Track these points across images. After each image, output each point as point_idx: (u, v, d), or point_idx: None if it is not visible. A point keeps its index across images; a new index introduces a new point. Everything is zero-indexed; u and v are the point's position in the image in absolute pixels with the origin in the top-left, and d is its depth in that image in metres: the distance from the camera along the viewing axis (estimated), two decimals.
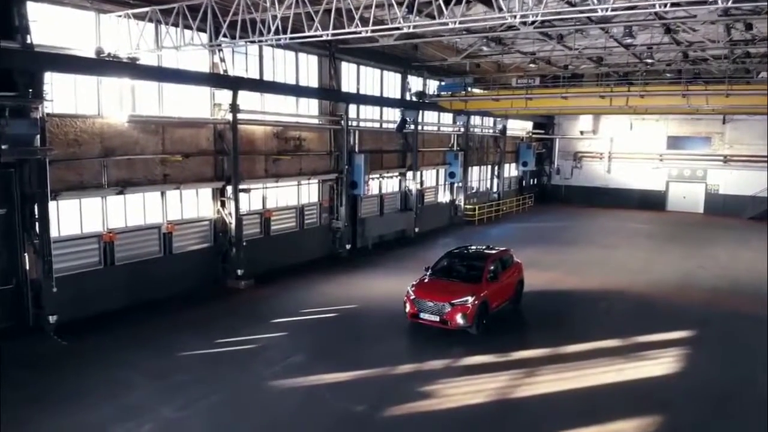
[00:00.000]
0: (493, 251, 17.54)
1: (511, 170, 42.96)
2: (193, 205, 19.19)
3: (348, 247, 24.97)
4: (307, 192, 23.73)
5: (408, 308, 15.52)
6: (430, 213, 32.24)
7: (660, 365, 13.79)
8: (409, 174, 29.68)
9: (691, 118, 42.41)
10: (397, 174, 29.23)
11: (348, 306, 17.72)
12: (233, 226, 19.48)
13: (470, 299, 14.98)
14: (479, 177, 38.39)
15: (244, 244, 19.77)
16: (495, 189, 40.25)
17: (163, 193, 18.09)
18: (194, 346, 14.25)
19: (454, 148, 33.88)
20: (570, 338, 15.35)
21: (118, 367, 12.99)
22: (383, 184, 28.65)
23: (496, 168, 40.16)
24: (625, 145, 45.67)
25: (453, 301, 14.94)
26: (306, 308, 17.40)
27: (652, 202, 44.73)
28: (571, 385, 12.74)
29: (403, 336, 15.44)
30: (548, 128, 47.22)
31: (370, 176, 26.05)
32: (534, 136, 45.45)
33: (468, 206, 35.40)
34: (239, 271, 19.60)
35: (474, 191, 37.17)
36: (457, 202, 35.00)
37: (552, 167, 48.61)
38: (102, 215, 16.56)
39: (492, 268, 16.34)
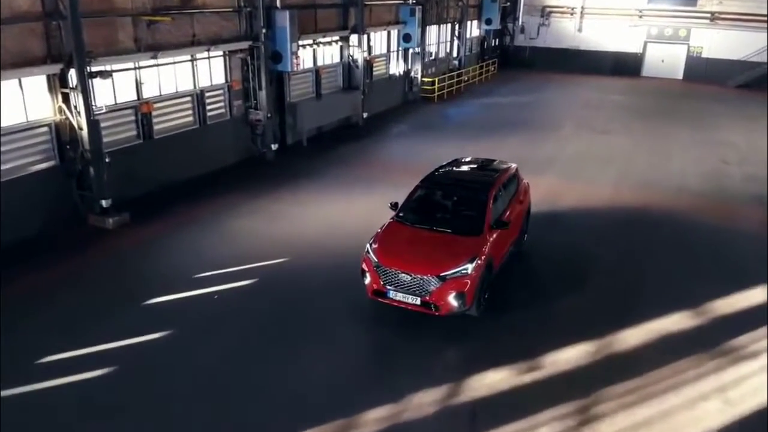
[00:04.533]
0: (494, 172, 11.37)
1: (472, 29, 35.70)
2: (18, 103, 11.94)
3: (274, 147, 18.22)
4: (208, 70, 16.44)
5: (368, 280, 9.49)
6: (380, 90, 25.39)
7: None
8: (354, 38, 22.39)
9: None
10: (337, 39, 21.87)
11: (272, 261, 11.47)
12: (85, 132, 12.45)
13: (470, 267, 9.05)
14: (438, 40, 31.17)
15: (108, 159, 12.87)
16: (456, 54, 33.23)
17: None
18: None
19: (410, 2, 26.30)
20: (614, 314, 9.87)
21: None
22: (319, 54, 21.37)
23: (457, 27, 32.86)
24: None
25: (443, 273, 8.98)
26: (204, 268, 11.07)
27: (626, 66, 39.51)
28: None
29: (360, 332, 9.45)
30: None
31: (300, 43, 18.79)
32: None
33: (426, 79, 28.59)
34: (104, 202, 12.90)
35: (432, 58, 30.16)
36: (413, 74, 28.09)
37: (516, 25, 41.69)
38: None
39: (495, 204, 10.32)
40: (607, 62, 39.85)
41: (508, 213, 10.69)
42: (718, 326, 9.69)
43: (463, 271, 9.00)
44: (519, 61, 41.64)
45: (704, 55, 38.09)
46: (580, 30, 40.73)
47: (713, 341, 9.21)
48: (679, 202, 15.28)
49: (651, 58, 39.74)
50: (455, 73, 31.09)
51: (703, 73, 37.50)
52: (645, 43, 39.65)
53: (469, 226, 9.84)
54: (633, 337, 9.28)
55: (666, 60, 39.34)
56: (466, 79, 32.42)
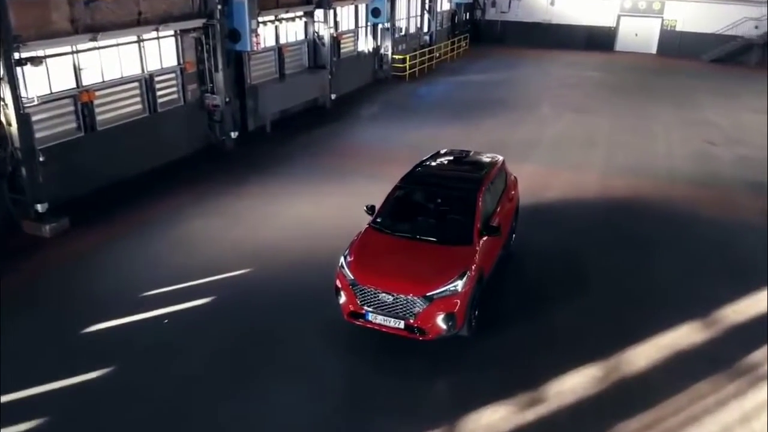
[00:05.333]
0: (480, 168, 10.12)
1: (442, 3, 34.20)
2: None
3: (234, 134, 16.68)
4: (158, 52, 14.79)
5: (343, 299, 8.23)
6: (349, 69, 23.88)
7: None
8: (319, 13, 20.79)
9: None
10: (300, 14, 20.28)
11: (233, 273, 10.10)
12: (14, 128, 10.83)
13: (460, 284, 7.87)
14: (408, 14, 29.64)
15: (42, 158, 11.27)
16: (426, 30, 31.75)
17: None
18: None
19: None
20: (618, 328, 8.86)
21: None
22: (282, 32, 19.76)
23: (428, 1, 31.33)
24: None
25: (429, 293, 7.77)
26: (154, 284, 9.65)
27: (599, 41, 38.72)
28: None
29: (334, 361, 8.16)
30: None
31: (260, 20, 17.22)
32: None
33: (396, 56, 27.12)
34: (39, 206, 11.33)
35: (402, 34, 28.66)
36: (383, 51, 26.58)
37: None
38: None
39: (484, 205, 9.12)
40: (581, 36, 38.92)
41: (498, 215, 9.53)
42: (732, 339, 8.73)
43: (452, 289, 7.81)
44: (491, 36, 40.39)
45: (678, 28, 37.42)
46: (552, 3, 39.61)
47: (729, 358, 8.25)
48: (672, 191, 14.32)
49: (624, 32, 38.93)
50: (426, 49, 29.66)
51: (677, 47, 36.83)
52: (618, 17, 38.78)
53: (457, 234, 8.63)
54: (642, 356, 8.25)
55: (640, 34, 38.55)
56: (437, 55, 31.03)
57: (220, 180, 14.20)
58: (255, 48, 16.66)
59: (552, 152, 17.26)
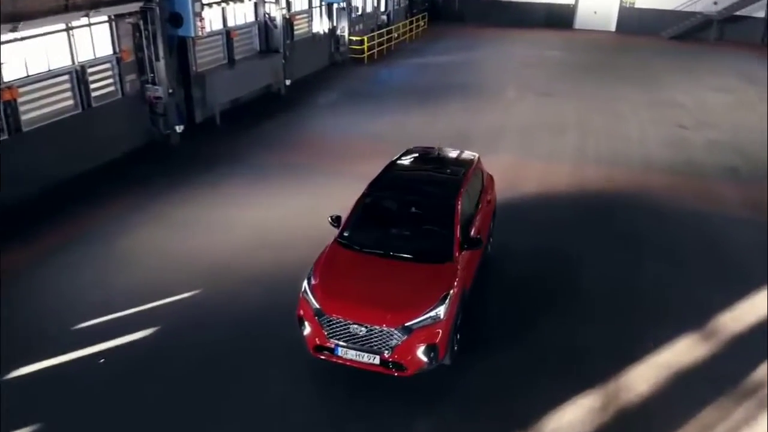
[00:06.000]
0: (457, 170, 9.09)
1: None
2: None
3: (180, 128, 15.26)
4: (90, 41, 13.24)
5: (308, 330, 7.16)
6: (304, 52, 22.51)
7: None
8: None
9: None
10: None
11: (181, 296, 8.89)
12: None
13: (442, 310, 6.89)
14: None
15: None
16: (384, 9, 30.44)
17: None
18: None
19: None
20: (611, 344, 8.09)
21: None
22: (229, 14, 18.27)
23: None
24: None
25: (408, 323, 6.78)
26: (88, 314, 8.37)
27: (558, 18, 38.17)
28: None
29: (298, 405, 7.07)
30: None
31: (205, 2, 15.77)
32: None
33: (354, 38, 25.82)
34: None
35: (359, 14, 27.32)
36: (339, 33, 25.23)
37: None
38: None
39: (463, 213, 8.14)
40: (540, 14, 38.26)
41: (477, 222, 8.58)
42: (733, 352, 8.05)
43: (433, 317, 6.83)
44: (449, 15, 39.32)
45: (637, 5, 36.99)
46: None
47: (733, 375, 7.56)
48: (650, 181, 13.65)
49: (583, 10, 38.35)
50: (384, 30, 28.39)
51: (636, 24, 36.48)
52: None
53: (435, 249, 7.64)
54: (641, 378, 7.46)
55: (599, 11, 38.04)
56: (396, 36, 29.81)
57: (166, 182, 12.86)
58: (200, 33, 15.18)
59: (521, 140, 16.41)
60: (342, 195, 12.03)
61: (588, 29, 37.63)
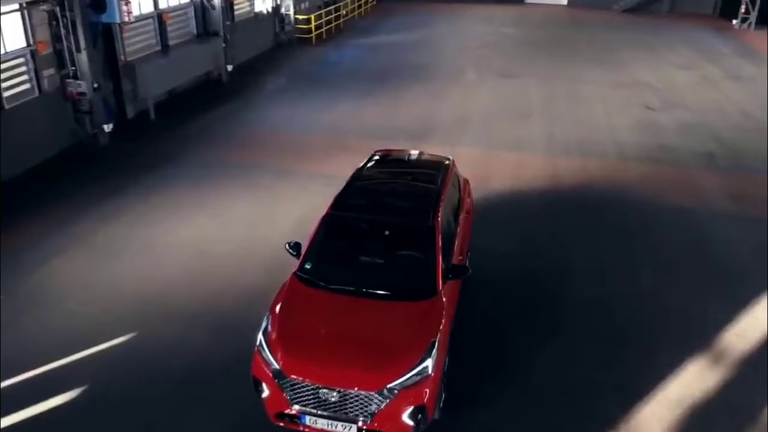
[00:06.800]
0: (432, 177, 7.87)
1: None
2: None
3: (108, 127, 13.51)
4: None
5: (267, 393, 5.89)
6: (246, 34, 20.76)
7: None
8: None
9: None
10: None
11: (109, 343, 7.43)
12: None
13: (429, 363, 5.72)
14: None
15: None
16: None
17: None
18: None
19: None
20: (614, 378, 7.15)
21: None
22: None
23: None
24: None
25: (390, 384, 5.59)
26: None
27: None
28: None
29: None
30: None
31: None
32: None
33: (300, 16, 24.12)
34: None
35: None
36: (283, 11, 23.48)
37: None
38: None
39: (444, 233, 6.96)
40: None
41: (459, 240, 7.46)
42: (745, 377, 7.22)
43: (420, 372, 5.67)
44: None
45: None
46: None
47: (751, 409, 6.72)
48: (627, 173, 12.78)
49: None
50: (332, 7, 26.72)
51: None
52: None
53: (416, 283, 6.47)
54: (654, 420, 6.53)
55: None
56: (344, 13, 28.18)
57: (91, 192, 11.24)
58: (126, 18, 13.41)
59: (486, 128, 15.33)
60: (298, 200, 10.79)
61: (539, 3, 36.79)
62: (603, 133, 15.00)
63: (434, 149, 10.10)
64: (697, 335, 7.89)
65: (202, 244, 9.66)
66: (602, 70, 21.05)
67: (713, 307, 8.46)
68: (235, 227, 10.20)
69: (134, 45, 15.35)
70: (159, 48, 16.40)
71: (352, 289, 6.42)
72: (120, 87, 14.65)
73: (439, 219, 6.94)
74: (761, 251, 9.81)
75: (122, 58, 14.73)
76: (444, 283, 6.52)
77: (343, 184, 7.65)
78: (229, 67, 18.82)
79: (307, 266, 6.74)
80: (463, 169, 9.46)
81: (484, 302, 8.43)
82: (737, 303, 8.55)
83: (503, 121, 15.76)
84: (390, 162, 8.59)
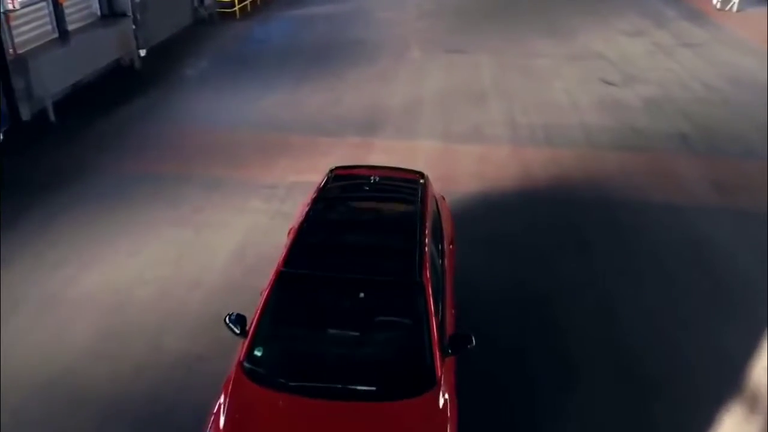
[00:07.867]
0: (410, 207, 6.30)
1: None
2: None
3: None
4: None
5: None
6: (159, 11, 18.18)
7: None
8: None
9: None
10: None
11: None
12: None
13: None
14: None
15: None
16: None
17: None
18: None
19: None
20: None
21: None
22: None
23: None
24: None
25: None
26: None
27: None
28: None
29: None
30: None
31: None
32: None
33: None
34: None
35: None
36: None
37: None
38: None
39: (434, 288, 5.40)
40: None
41: (449, 294, 5.94)
42: None
43: None
44: None
45: None
46: None
47: None
48: (603, 164, 11.56)
49: None
50: None
51: None
52: None
53: (408, 372, 4.92)
54: None
55: None
56: None
57: None
58: (11, 4, 11.01)
59: (442, 115, 13.78)
60: (234, 222, 8.99)
61: None
62: (568, 116, 13.75)
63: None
64: (721, 376, 6.77)
65: (117, 293, 7.77)
66: (553, 42, 19.71)
67: (730, 336, 7.35)
68: (156, 265, 8.33)
69: (25, 34, 12.82)
70: (56, 35, 13.89)
71: (320, 387, 4.79)
72: (10, 85, 12.17)
73: (427, 271, 5.37)
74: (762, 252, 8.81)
75: (11, 51, 12.23)
76: (442, 362, 5.00)
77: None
78: (142, 52, 16.44)
79: (257, 353, 5.04)
80: (424, 169, 7.81)
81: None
82: (756, 329, 7.47)
83: (458, 106, 14.25)
84: (352, 186, 6.92)
